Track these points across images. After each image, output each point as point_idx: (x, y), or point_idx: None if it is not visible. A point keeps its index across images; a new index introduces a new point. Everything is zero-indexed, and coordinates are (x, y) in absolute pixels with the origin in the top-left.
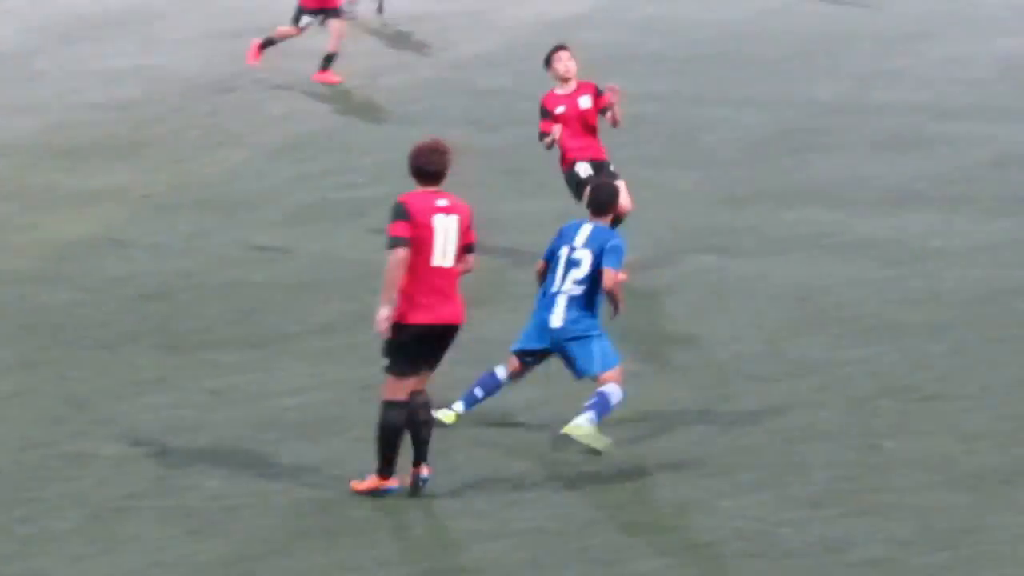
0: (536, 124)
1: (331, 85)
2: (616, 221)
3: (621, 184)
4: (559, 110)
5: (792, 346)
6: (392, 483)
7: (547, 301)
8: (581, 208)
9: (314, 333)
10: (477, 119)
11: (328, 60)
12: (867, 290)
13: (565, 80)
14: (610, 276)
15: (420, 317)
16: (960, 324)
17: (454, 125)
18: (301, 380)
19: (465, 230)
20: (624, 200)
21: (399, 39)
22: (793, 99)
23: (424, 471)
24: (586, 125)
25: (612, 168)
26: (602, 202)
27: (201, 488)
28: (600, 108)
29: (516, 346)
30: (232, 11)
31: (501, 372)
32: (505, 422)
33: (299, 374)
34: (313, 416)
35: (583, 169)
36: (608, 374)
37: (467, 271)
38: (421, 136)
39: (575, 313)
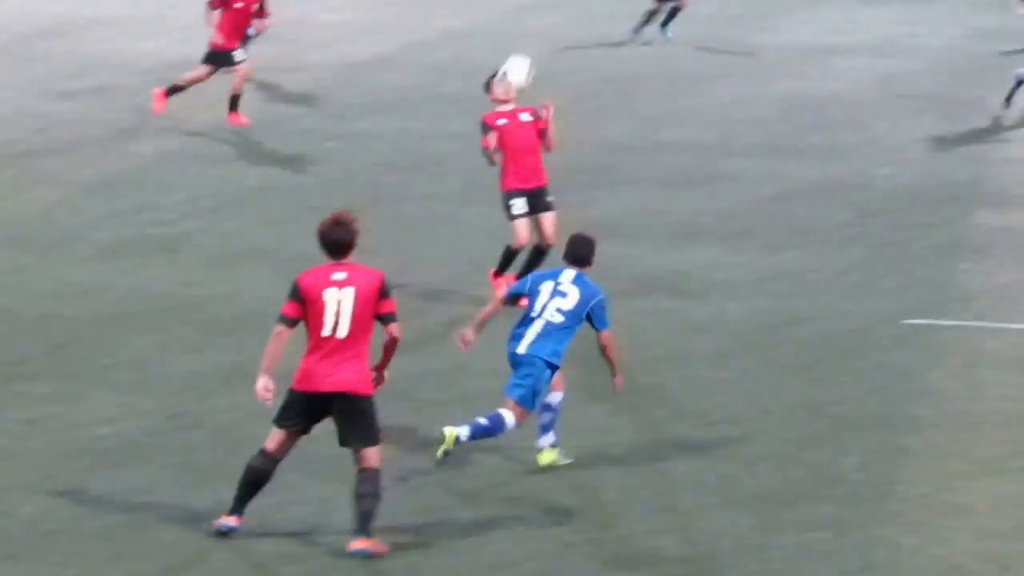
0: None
1: (240, 127)
2: (540, 254)
3: (551, 216)
4: (500, 122)
5: (580, 375)
6: (232, 521)
7: (520, 326)
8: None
9: (125, 364)
10: (284, 159)
11: (234, 101)
12: (655, 321)
13: (504, 102)
14: (606, 336)
15: (302, 384)
16: (743, 352)
17: (262, 163)
18: (113, 410)
19: (367, 301)
20: (550, 231)
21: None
22: (585, 138)
23: (358, 544)
24: (527, 142)
25: (549, 198)
26: (582, 255)
27: (17, 514)
28: (539, 130)
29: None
30: (47, 55)
31: (510, 419)
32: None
33: (111, 404)
34: (124, 444)
35: (518, 205)
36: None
37: (392, 341)
38: (228, 174)
39: (546, 343)
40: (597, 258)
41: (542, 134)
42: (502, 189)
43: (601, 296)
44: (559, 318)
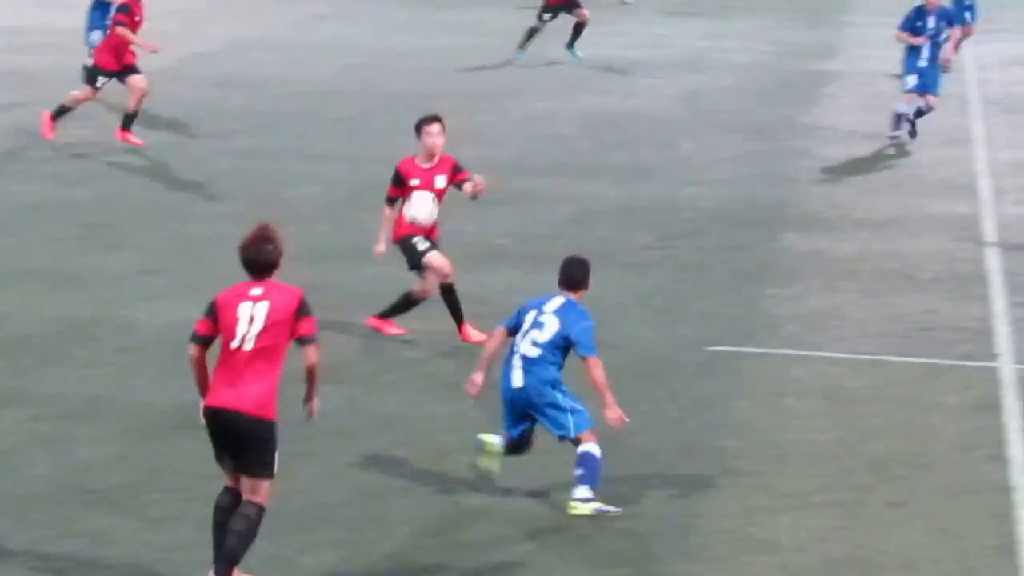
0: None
1: (134, 147)
2: (447, 291)
3: (440, 253)
4: (413, 182)
5: (373, 401)
6: None
7: (506, 364)
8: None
9: None
10: (59, 173)
11: (129, 119)
12: (450, 345)
13: (431, 156)
14: (593, 364)
15: (207, 399)
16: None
17: (39, 180)
18: None
19: (281, 318)
20: (444, 265)
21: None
22: (376, 155)
23: None
24: (434, 202)
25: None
26: (575, 279)
27: None
28: (454, 183)
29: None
30: None
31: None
32: None
33: None
34: None
35: (421, 242)
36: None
37: (311, 367)
38: (3, 191)
39: (532, 374)
40: (387, 281)
41: (456, 186)
42: (395, 238)
43: (587, 323)
44: (534, 352)
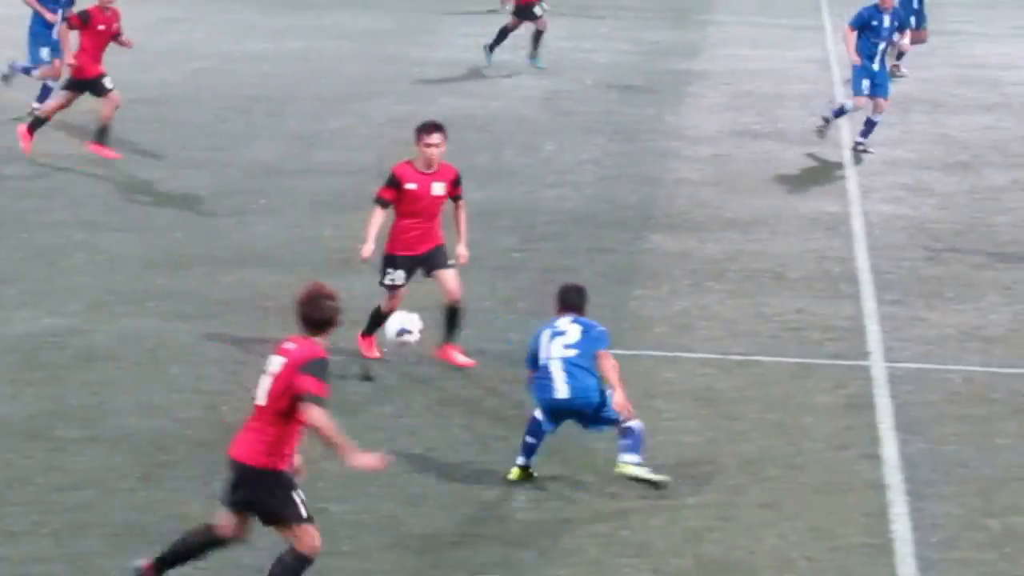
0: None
1: (107, 159)
2: (451, 313)
3: (452, 273)
4: (409, 186)
5: (233, 410)
6: None
7: (541, 376)
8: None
9: None
10: None
11: (102, 132)
12: None
13: (428, 166)
14: (605, 356)
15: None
16: (406, 386)
17: None
18: None
19: (285, 374)
20: (453, 287)
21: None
22: (232, 160)
23: None
24: (429, 210)
25: (450, 262)
26: (574, 303)
27: None
28: (452, 196)
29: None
30: None
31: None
32: None
33: None
34: None
35: (399, 277)
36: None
37: (309, 425)
38: None
39: (575, 379)
40: (245, 287)
41: (453, 199)
42: (387, 251)
43: (602, 328)
44: (572, 352)
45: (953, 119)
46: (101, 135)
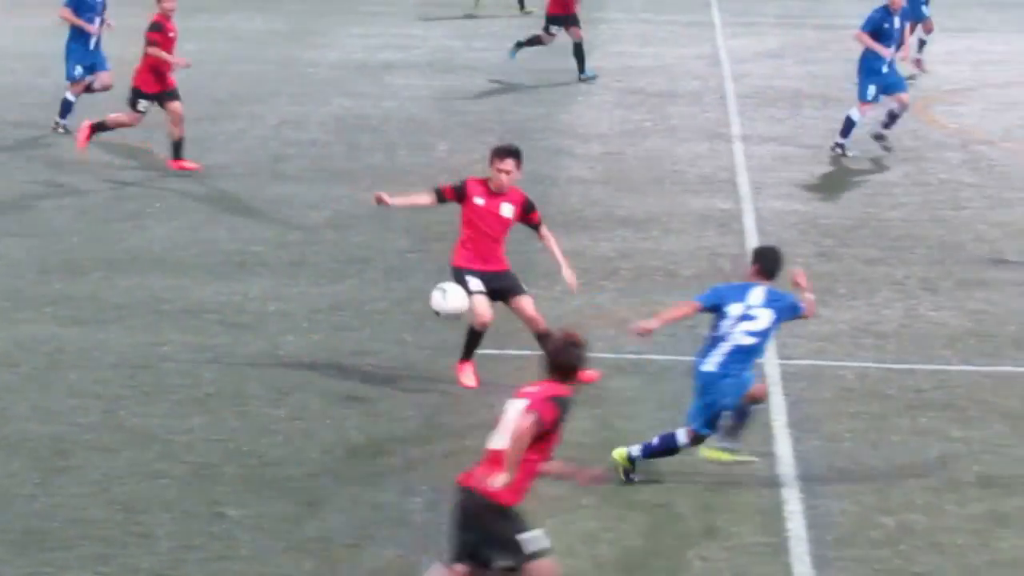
0: None
1: (188, 171)
2: (543, 338)
3: (528, 299)
4: (477, 200)
5: (132, 415)
6: None
7: (706, 347)
8: None
9: None
10: None
11: (178, 147)
12: (207, 356)
13: (496, 185)
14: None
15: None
16: (301, 388)
17: None
18: None
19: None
20: (532, 312)
21: None
22: (128, 163)
23: None
24: (492, 231)
25: (516, 283)
26: (770, 269)
27: None
28: (526, 222)
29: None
30: None
31: (681, 437)
32: None
33: None
34: None
35: (473, 281)
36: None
37: (512, 429)
38: None
39: (732, 364)
40: (143, 291)
41: (533, 227)
42: (454, 264)
43: (790, 303)
44: (749, 340)
45: (843, 114)
46: (177, 150)
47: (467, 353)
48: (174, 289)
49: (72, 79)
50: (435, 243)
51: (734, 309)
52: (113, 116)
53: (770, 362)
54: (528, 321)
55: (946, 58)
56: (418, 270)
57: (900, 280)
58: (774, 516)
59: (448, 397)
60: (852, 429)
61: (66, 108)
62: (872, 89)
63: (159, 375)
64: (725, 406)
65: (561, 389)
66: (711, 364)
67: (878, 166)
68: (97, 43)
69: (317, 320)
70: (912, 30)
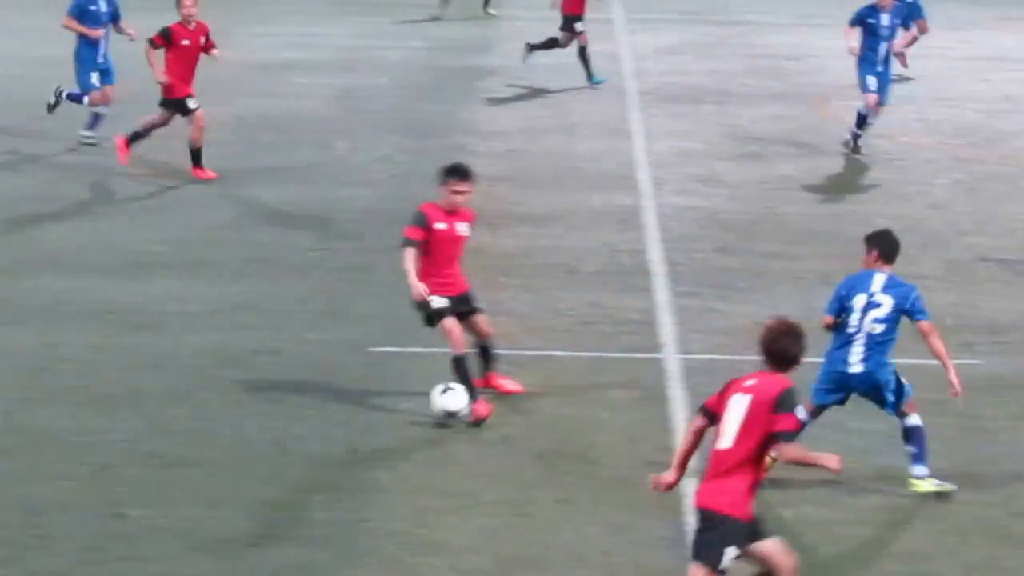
0: None
1: (208, 180)
2: (484, 349)
3: (484, 316)
4: (439, 226)
5: (31, 417)
6: None
7: (842, 346)
8: None
9: None
10: None
11: (197, 155)
12: (107, 356)
13: (452, 207)
14: (926, 327)
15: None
16: (201, 388)
17: None
18: None
19: (755, 412)
20: (487, 328)
21: None
22: (26, 165)
23: None
24: (453, 252)
25: (474, 301)
26: (892, 252)
27: None
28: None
29: (814, 400)
30: None
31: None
32: None
33: None
34: None
35: (437, 300)
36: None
37: (785, 460)
38: None
39: (874, 355)
40: (42, 293)
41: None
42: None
43: (916, 291)
44: (879, 328)
45: (743, 109)
46: (196, 158)
47: (471, 390)
48: (74, 291)
49: (89, 88)
50: (336, 241)
51: (859, 300)
52: (145, 119)
53: (670, 357)
54: (482, 335)
55: (843, 53)
56: (319, 268)
57: (798, 274)
58: (674, 511)
59: (348, 396)
60: None
61: (94, 121)
62: (872, 81)
63: (59, 376)
64: (895, 386)
65: (783, 381)
66: (858, 366)
67: (776, 162)
68: (106, 54)
69: (218, 319)
70: (922, 29)
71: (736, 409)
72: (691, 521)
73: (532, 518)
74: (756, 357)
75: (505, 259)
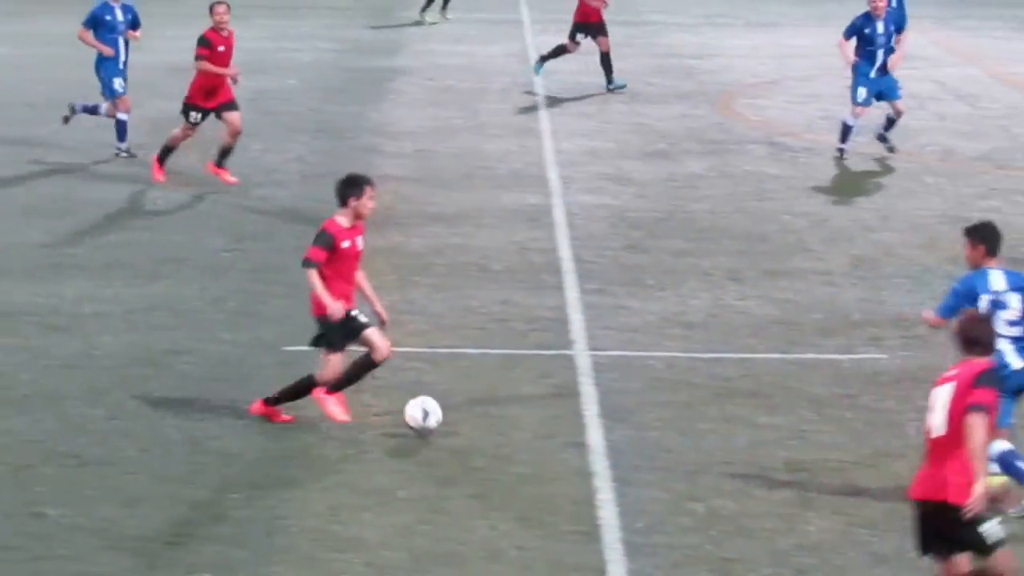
0: None
1: (228, 184)
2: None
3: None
4: (344, 244)
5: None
6: None
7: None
8: None
9: None
10: None
11: (224, 154)
12: (23, 357)
13: (357, 217)
14: None
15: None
16: (117, 388)
17: None
18: None
19: (959, 395)
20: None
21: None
22: None
23: None
24: (355, 267)
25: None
26: (997, 244)
27: None
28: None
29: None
30: None
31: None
32: None
33: None
34: None
35: (364, 318)
36: None
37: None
38: None
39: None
40: None
41: None
42: (317, 313)
43: None
44: (1017, 331)
45: (650, 108)
46: (222, 157)
47: (345, 384)
48: None
49: (115, 95)
50: (250, 242)
51: (981, 302)
52: (173, 135)
53: (581, 354)
54: (375, 349)
55: (749, 52)
56: (233, 269)
57: (707, 270)
58: (586, 505)
59: (263, 394)
60: (661, 418)
61: (122, 130)
62: (862, 92)
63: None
64: None
65: (983, 364)
66: (1019, 361)
67: (683, 160)
68: (124, 63)
69: (132, 320)
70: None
71: (942, 397)
72: (603, 516)
73: (447, 514)
74: (665, 352)
75: (417, 258)
